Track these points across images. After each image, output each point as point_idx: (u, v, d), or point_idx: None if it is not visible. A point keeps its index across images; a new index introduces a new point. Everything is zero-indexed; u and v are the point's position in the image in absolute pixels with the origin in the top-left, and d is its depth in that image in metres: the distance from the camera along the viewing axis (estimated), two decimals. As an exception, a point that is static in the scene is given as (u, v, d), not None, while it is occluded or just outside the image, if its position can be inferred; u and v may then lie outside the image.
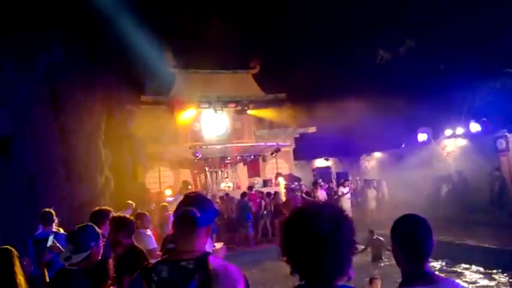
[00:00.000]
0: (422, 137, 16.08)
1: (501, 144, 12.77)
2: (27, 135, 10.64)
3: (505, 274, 7.62)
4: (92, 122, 12.86)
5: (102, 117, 13.50)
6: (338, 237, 1.39)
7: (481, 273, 7.98)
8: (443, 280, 1.84)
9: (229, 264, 1.79)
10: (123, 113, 15.44)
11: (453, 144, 15.26)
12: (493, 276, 7.70)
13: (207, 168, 17.19)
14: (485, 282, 7.48)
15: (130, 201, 9.52)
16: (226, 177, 17.48)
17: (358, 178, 15.84)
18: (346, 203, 12.72)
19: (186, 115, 18.88)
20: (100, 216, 3.82)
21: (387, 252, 8.75)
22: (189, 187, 15.08)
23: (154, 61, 16.28)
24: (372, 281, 3.34)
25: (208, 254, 1.80)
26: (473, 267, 8.31)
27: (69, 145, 11.63)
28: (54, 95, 11.55)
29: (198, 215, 1.81)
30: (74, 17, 11.49)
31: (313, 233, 1.38)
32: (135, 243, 3.61)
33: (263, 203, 13.27)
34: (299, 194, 13.36)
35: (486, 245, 8.83)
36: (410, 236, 1.84)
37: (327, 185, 14.86)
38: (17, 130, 10.79)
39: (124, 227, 3.56)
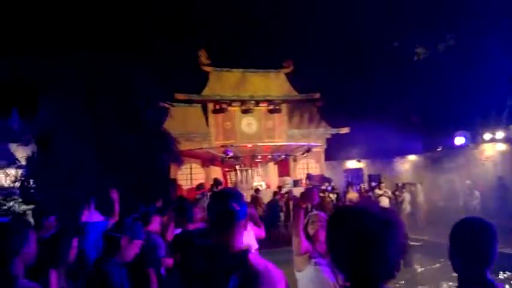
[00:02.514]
0: (459, 140, 15.55)
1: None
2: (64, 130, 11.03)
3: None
4: (128, 118, 13.13)
5: (137, 113, 13.76)
6: (388, 238, 1.32)
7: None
8: None
9: (269, 264, 1.77)
10: (157, 109, 15.70)
11: (492, 148, 14.70)
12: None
13: (237, 167, 17.29)
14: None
15: None
16: (258, 176, 17.52)
17: (396, 183, 15.38)
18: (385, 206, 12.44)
19: (218, 113, 19.04)
20: None
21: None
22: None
23: (188, 59, 16.51)
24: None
25: (248, 251, 1.79)
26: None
27: (104, 140, 11.94)
28: (91, 90, 11.85)
29: (238, 208, 1.80)
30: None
31: (361, 231, 1.33)
32: None
33: (291, 203, 13.20)
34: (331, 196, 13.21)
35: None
36: (474, 240, 1.75)
37: (359, 187, 14.62)
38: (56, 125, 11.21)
39: None
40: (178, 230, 4.27)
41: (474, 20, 13.28)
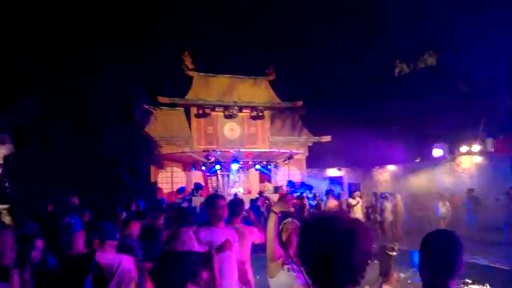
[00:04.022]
0: (437, 152, 15.87)
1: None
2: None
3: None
4: (106, 120, 13.03)
5: (117, 114, 13.68)
6: (352, 245, 1.38)
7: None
8: None
9: None
10: (140, 112, 15.63)
11: (469, 161, 15.05)
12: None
13: (218, 172, 17.28)
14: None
15: None
16: (237, 182, 17.53)
17: (374, 192, 15.58)
18: (358, 215, 12.54)
19: (201, 118, 19.04)
20: None
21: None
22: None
23: (172, 63, 16.48)
24: (388, 273, 3.35)
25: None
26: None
27: (82, 141, 11.83)
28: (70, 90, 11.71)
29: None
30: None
31: (326, 238, 1.39)
32: None
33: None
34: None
35: (497, 265, 8.68)
36: (442, 252, 1.82)
37: (338, 195, 14.74)
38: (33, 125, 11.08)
39: None
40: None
41: (454, 38, 13.67)
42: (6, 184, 10.87)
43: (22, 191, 10.05)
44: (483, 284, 8.19)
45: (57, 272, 2.15)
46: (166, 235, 3.93)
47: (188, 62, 18.89)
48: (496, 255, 9.32)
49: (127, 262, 2.13)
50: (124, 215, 6.54)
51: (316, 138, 20.50)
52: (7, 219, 8.20)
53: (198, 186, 16.66)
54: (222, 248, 3.50)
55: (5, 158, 11.52)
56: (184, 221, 4.28)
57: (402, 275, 4.72)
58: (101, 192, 10.35)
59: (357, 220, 1.54)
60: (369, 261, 1.49)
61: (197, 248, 2.84)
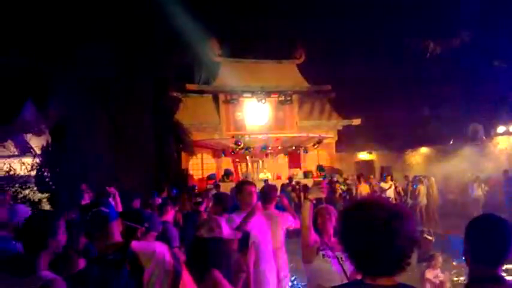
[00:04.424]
0: (473, 133, 15.37)
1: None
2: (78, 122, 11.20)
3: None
4: (140, 109, 13.26)
5: (149, 104, 13.89)
6: (397, 229, 1.36)
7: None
8: None
9: None
10: (169, 100, 15.83)
11: (506, 141, 14.53)
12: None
13: (248, 158, 17.36)
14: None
15: None
16: (265, 168, 17.58)
17: (406, 175, 15.28)
18: (390, 199, 12.38)
19: (229, 104, 19.10)
20: None
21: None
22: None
23: (200, 49, 16.53)
24: (432, 257, 3.33)
25: None
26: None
27: (117, 130, 12.09)
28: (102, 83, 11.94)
29: None
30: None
31: (371, 221, 1.38)
32: None
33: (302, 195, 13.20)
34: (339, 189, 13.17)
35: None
36: (489, 237, 1.74)
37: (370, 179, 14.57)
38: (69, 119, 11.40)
39: None
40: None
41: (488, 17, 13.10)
42: (46, 173, 11.28)
43: (61, 180, 10.42)
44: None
45: (95, 262, 2.22)
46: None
47: (215, 48, 18.89)
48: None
49: (161, 249, 2.18)
50: (159, 201, 6.72)
51: (345, 122, 20.19)
52: (47, 208, 8.53)
53: (227, 173, 16.85)
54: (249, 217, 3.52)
55: (43, 147, 11.95)
56: (223, 207, 4.31)
57: (441, 259, 4.63)
58: (137, 180, 10.62)
59: (399, 205, 1.52)
60: (414, 247, 1.45)
61: (228, 234, 2.87)
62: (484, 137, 15.07)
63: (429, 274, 4.67)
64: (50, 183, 10.99)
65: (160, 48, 13.47)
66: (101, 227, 2.24)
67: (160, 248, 2.21)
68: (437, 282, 4.59)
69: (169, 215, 4.81)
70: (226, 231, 2.85)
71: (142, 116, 13.02)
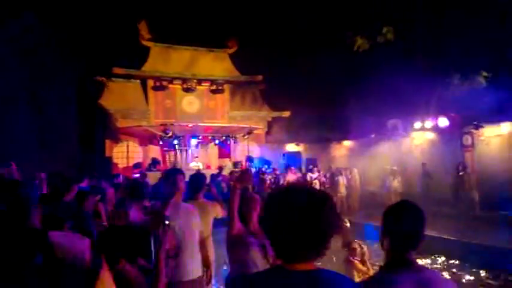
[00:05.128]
0: (392, 128, 16.31)
1: (467, 140, 13.20)
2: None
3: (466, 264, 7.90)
4: (63, 87, 12.41)
5: (73, 86, 13.04)
6: (315, 218, 1.35)
7: (441, 264, 8.27)
8: (427, 270, 1.85)
9: None
10: (94, 84, 14.96)
11: (421, 137, 15.59)
12: (453, 266, 8.00)
13: (177, 147, 16.98)
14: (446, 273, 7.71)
15: None
16: (196, 157, 17.32)
17: (330, 166, 15.95)
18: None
19: (158, 90, 18.52)
20: None
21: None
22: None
23: (128, 31, 15.79)
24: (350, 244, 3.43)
25: None
26: (440, 259, 8.53)
27: (41, 112, 11.27)
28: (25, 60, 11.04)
29: None
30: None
31: (288, 213, 1.36)
32: None
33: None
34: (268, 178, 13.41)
35: (445, 236, 9.12)
36: (400, 223, 1.83)
37: (297, 169, 14.97)
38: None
39: None
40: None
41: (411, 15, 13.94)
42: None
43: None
44: (434, 255, 8.63)
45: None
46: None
47: (144, 32, 18.16)
48: (445, 226, 9.80)
49: (82, 245, 2.02)
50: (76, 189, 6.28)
51: (275, 113, 20.54)
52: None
53: (155, 161, 16.36)
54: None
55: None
56: (136, 195, 4.16)
57: (364, 248, 4.84)
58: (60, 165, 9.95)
59: (321, 192, 1.50)
60: (334, 233, 1.45)
61: (142, 221, 2.74)
62: (403, 132, 16.05)
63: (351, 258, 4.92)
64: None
65: (84, 26, 12.65)
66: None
67: (81, 242, 2.04)
68: (360, 257, 4.83)
69: (90, 203, 4.51)
70: (142, 218, 2.71)
71: (65, 95, 12.21)
